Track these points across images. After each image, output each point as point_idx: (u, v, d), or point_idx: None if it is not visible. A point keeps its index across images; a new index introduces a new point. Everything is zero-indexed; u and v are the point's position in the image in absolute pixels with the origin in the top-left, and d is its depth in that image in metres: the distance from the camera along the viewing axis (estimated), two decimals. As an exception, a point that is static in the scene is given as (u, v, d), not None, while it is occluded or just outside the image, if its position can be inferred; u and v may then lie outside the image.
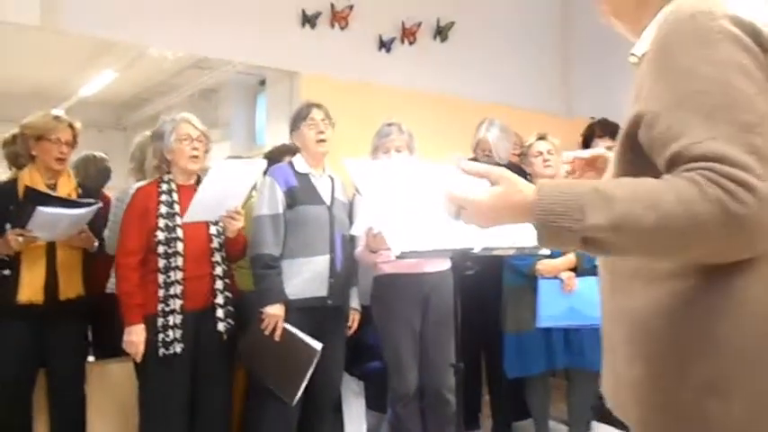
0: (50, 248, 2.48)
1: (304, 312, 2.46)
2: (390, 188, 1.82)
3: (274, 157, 3.09)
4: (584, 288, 2.80)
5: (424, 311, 2.67)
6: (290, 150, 3.13)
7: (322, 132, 2.57)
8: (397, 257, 1.66)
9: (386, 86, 3.90)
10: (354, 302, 2.69)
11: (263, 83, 5.77)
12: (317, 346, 2.36)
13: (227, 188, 2.33)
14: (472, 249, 1.76)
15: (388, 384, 2.71)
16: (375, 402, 2.88)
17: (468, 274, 1.81)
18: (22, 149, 2.59)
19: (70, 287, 2.51)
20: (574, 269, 2.83)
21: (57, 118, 2.56)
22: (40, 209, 2.31)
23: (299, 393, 2.38)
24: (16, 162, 2.69)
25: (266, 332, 2.40)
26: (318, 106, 2.62)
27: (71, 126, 2.58)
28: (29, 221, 2.32)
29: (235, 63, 4.92)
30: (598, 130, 3.37)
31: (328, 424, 2.71)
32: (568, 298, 2.79)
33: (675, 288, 0.88)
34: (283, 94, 4.25)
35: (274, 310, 2.40)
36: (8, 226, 2.38)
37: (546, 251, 1.99)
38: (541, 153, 2.94)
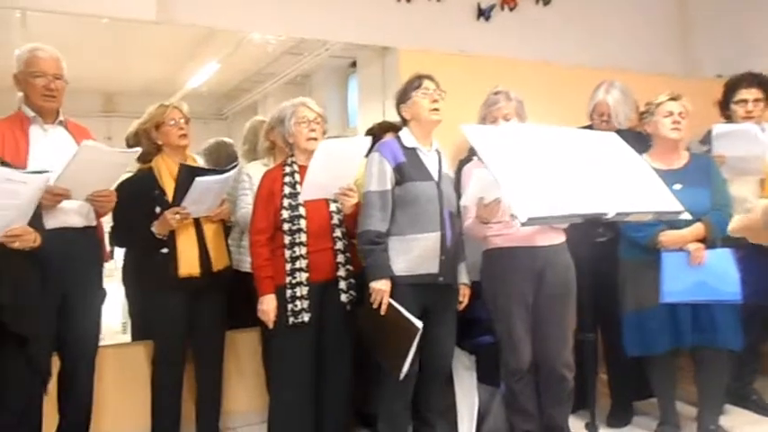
0: (197, 225, 2.68)
1: (415, 289, 2.45)
2: (512, 153, 1.74)
3: (375, 134, 3.07)
4: (715, 260, 2.61)
5: (537, 286, 2.59)
6: (391, 127, 3.11)
7: (436, 101, 2.52)
8: (523, 224, 1.58)
9: (487, 57, 3.77)
10: (464, 278, 2.65)
11: (353, 65, 5.80)
12: (419, 324, 2.36)
13: (336, 166, 2.39)
14: (605, 214, 1.65)
15: (501, 359, 2.66)
16: (487, 377, 2.82)
17: (600, 241, 1.69)
18: (146, 144, 2.75)
19: (220, 259, 2.73)
20: (702, 240, 2.63)
21: (162, 105, 2.75)
22: (199, 179, 2.51)
23: (405, 369, 2.39)
24: (142, 159, 2.85)
25: (374, 306, 2.41)
26: (429, 77, 2.57)
27: (177, 108, 2.75)
28: (185, 198, 2.53)
29: (328, 46, 4.96)
30: (746, 80, 3.10)
31: (440, 397, 2.71)
32: (696, 271, 2.60)
33: None
34: (375, 74, 4.23)
35: (380, 285, 2.40)
36: (158, 209, 2.58)
37: (687, 216, 1.83)
38: (672, 113, 2.71)
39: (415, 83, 2.55)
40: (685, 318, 2.63)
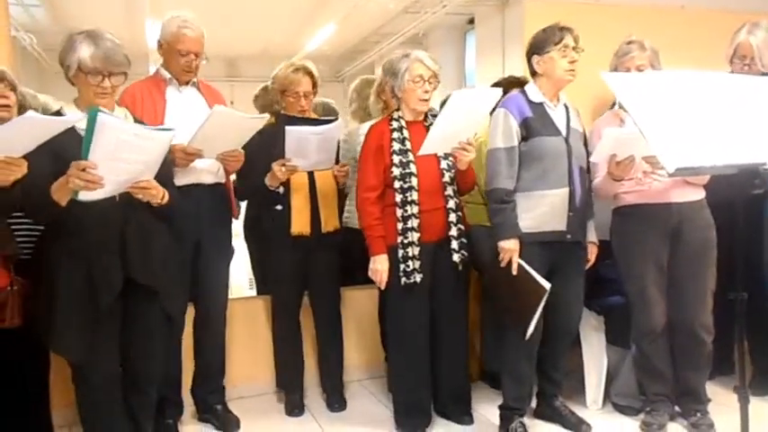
0: (312, 186, 2.74)
1: (542, 246, 2.41)
2: (657, 99, 1.64)
3: (503, 89, 2.99)
4: None
5: (673, 244, 2.47)
6: (517, 82, 3.02)
7: (574, 61, 2.39)
8: (671, 175, 1.50)
9: (619, 5, 3.53)
10: (592, 236, 2.58)
11: (471, 22, 5.67)
12: (546, 285, 2.32)
13: (462, 119, 2.32)
14: (763, 165, 1.53)
15: (632, 320, 2.58)
16: (616, 337, 2.75)
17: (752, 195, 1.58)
18: (274, 99, 2.87)
19: (330, 221, 2.79)
20: None
21: (296, 70, 2.71)
22: (289, 128, 2.51)
23: (531, 329, 2.38)
24: (271, 111, 2.97)
25: (502, 265, 2.39)
26: (570, 31, 2.41)
27: (310, 74, 2.72)
28: (285, 148, 2.53)
29: (446, 2, 4.87)
30: None
31: (566, 358, 2.67)
32: None
33: None
34: (495, 30, 4.09)
35: (509, 245, 2.37)
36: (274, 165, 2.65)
37: None
38: None
39: (555, 36, 2.39)
40: None
